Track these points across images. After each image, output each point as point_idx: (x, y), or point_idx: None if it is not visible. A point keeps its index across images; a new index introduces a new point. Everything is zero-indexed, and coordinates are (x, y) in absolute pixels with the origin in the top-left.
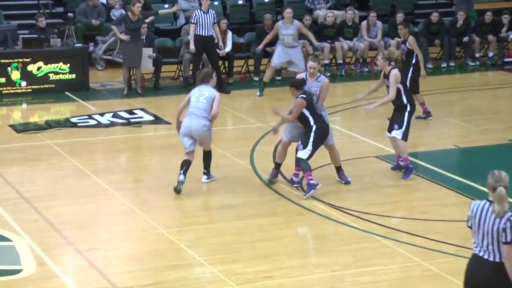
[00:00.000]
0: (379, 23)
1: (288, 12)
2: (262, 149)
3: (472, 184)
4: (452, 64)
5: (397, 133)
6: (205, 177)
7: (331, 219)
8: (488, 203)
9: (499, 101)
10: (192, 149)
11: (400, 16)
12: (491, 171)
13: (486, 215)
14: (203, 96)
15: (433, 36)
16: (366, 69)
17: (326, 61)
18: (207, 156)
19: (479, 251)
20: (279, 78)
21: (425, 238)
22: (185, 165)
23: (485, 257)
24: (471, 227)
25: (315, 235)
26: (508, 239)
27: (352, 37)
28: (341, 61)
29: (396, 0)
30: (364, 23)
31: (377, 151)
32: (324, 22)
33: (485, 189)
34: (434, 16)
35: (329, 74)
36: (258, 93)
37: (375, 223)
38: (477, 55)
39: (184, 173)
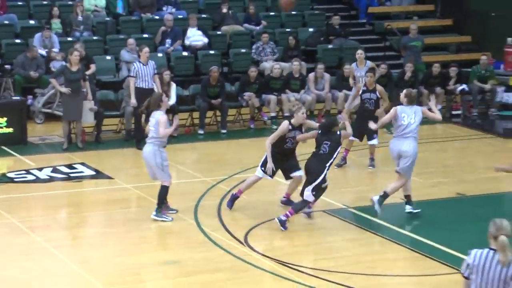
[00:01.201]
0: (326, 75)
1: (359, 53)
2: (206, 204)
3: (420, 238)
4: None
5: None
6: (154, 213)
7: (277, 275)
8: (491, 251)
9: (448, 154)
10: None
11: (347, 68)
12: (493, 220)
13: (491, 264)
14: (152, 124)
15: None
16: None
17: (273, 114)
18: (160, 190)
19: None
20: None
21: None
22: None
23: None
24: (467, 277)
25: None
26: None
27: (299, 90)
28: (287, 114)
29: (343, 52)
30: (311, 75)
31: (325, 205)
32: (271, 74)
33: (434, 243)
34: (382, 68)
35: (275, 126)
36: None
37: (322, 278)
38: (425, 107)
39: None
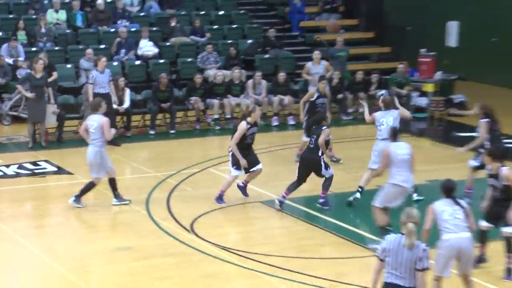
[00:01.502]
0: (263, 82)
1: (316, 53)
2: (157, 196)
3: (345, 225)
4: None
5: None
6: (73, 198)
7: (219, 259)
8: (404, 236)
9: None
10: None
11: (282, 76)
12: (405, 208)
13: (402, 247)
14: (92, 126)
15: None
16: None
17: (216, 116)
18: (88, 184)
19: (394, 279)
20: (173, 131)
21: (304, 274)
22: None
23: (401, 283)
24: (382, 260)
25: (205, 274)
26: (424, 266)
27: (239, 94)
28: (229, 116)
29: (278, 61)
30: (250, 81)
31: (261, 197)
32: (214, 81)
33: (356, 229)
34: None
35: (218, 127)
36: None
37: (259, 261)
38: (350, 110)
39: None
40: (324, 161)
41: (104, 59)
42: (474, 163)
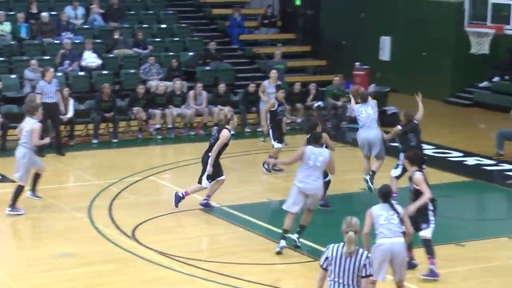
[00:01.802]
0: (204, 93)
1: (273, 72)
2: (99, 203)
3: (280, 231)
4: None
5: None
6: (9, 209)
7: (160, 265)
8: (346, 245)
9: None
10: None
11: (222, 87)
12: (345, 217)
13: (346, 255)
14: (25, 129)
15: (251, 104)
16: (193, 133)
17: (158, 126)
18: (17, 189)
19: (337, 287)
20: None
21: (241, 279)
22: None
23: None
24: (325, 268)
25: (146, 280)
26: (367, 273)
27: (180, 105)
28: (171, 126)
29: (219, 73)
30: (191, 92)
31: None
32: (156, 91)
33: (290, 235)
34: (251, 87)
35: (160, 137)
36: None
37: (198, 267)
38: (287, 121)
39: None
40: None
41: (51, 70)
42: (394, 172)
